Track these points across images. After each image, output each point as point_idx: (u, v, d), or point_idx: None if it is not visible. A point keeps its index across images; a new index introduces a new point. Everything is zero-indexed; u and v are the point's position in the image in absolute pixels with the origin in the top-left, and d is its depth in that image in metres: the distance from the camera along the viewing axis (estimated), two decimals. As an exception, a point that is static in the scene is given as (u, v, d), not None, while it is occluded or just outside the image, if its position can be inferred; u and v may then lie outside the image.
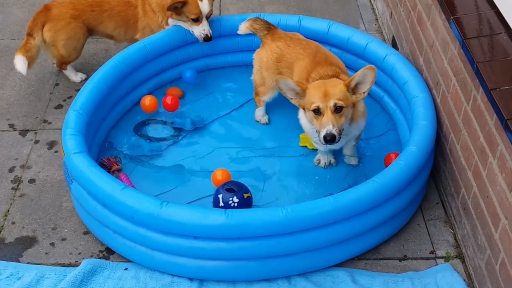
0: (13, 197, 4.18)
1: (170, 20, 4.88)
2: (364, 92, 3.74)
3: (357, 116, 3.91)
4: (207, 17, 4.78)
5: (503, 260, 3.17)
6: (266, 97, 4.54)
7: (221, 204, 3.77)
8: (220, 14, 5.90)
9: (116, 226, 3.66)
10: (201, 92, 4.97)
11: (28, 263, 3.77)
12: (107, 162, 4.20)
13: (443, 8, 3.82)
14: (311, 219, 3.48)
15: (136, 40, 4.94)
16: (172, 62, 4.94)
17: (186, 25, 4.83)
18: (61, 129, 4.10)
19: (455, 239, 3.89)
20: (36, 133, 4.68)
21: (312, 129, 3.88)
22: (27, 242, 3.90)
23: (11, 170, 4.38)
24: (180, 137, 4.55)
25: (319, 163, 4.29)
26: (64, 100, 4.98)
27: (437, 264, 3.75)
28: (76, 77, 5.14)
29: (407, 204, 3.83)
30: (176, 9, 4.71)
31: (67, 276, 3.64)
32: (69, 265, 3.77)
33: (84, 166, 3.74)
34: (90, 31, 5.00)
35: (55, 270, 3.70)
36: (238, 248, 3.50)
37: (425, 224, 3.99)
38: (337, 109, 3.68)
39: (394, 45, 5.20)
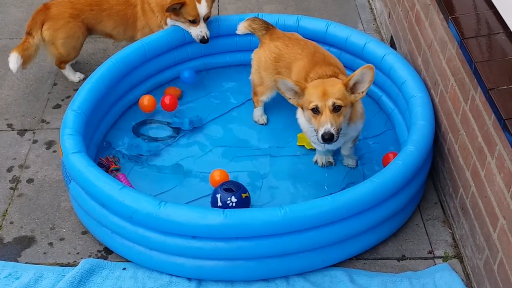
0: (11, 197, 4.18)
1: (168, 20, 4.89)
2: (362, 92, 3.74)
3: (356, 116, 3.91)
4: (205, 19, 4.78)
5: (501, 260, 3.17)
6: (265, 97, 4.53)
7: (219, 204, 3.77)
8: (218, 14, 5.90)
9: (115, 226, 3.66)
10: (199, 92, 4.96)
11: (26, 263, 3.77)
12: (106, 161, 4.20)
13: (441, 8, 3.83)
14: (309, 219, 3.48)
15: (135, 40, 4.94)
16: (171, 61, 4.94)
17: (184, 26, 4.83)
18: (59, 128, 4.10)
19: (454, 239, 3.89)
20: (34, 132, 4.67)
21: (310, 128, 3.88)
22: (26, 242, 3.90)
23: (9, 170, 4.37)
24: (178, 137, 4.55)
25: (316, 162, 4.29)
26: (63, 100, 4.98)
27: (435, 264, 3.75)
28: (75, 76, 5.14)
29: (405, 204, 3.83)
30: (175, 10, 4.72)
31: (65, 276, 3.64)
32: (68, 265, 3.77)
33: (82, 166, 3.74)
34: (89, 30, 5.00)
35: (53, 270, 3.70)
36: (236, 248, 3.50)
37: (424, 224, 3.99)
38: (336, 108, 3.68)
39: (392, 45, 5.20)
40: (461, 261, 3.76)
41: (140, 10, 4.95)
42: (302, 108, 3.87)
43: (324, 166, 4.27)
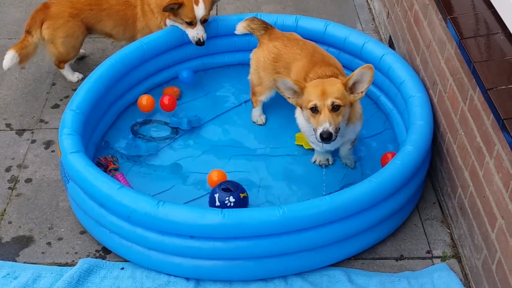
0: (9, 197, 4.18)
1: (167, 21, 4.89)
2: (362, 92, 3.74)
3: (354, 117, 3.91)
4: (203, 22, 4.77)
5: (500, 260, 3.17)
6: (263, 97, 4.53)
7: (217, 203, 3.77)
8: (217, 14, 5.89)
9: (113, 226, 3.66)
10: (198, 91, 4.96)
11: (24, 262, 3.76)
12: (104, 161, 4.20)
13: (440, 8, 3.82)
14: (308, 219, 3.48)
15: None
16: (169, 61, 4.94)
17: (182, 27, 4.83)
18: (58, 128, 4.10)
19: (452, 238, 3.89)
20: (32, 132, 4.67)
21: (309, 127, 3.87)
22: (24, 241, 3.89)
23: (7, 169, 4.37)
24: (176, 137, 4.54)
25: (315, 161, 4.29)
26: (61, 100, 4.98)
27: (433, 264, 3.75)
28: (73, 76, 5.13)
29: (404, 204, 3.83)
30: (172, 10, 4.71)
31: (63, 275, 3.63)
32: (66, 264, 3.77)
33: (80, 165, 3.73)
34: (89, 30, 5.01)
35: (51, 270, 3.69)
36: (234, 247, 3.50)
37: (422, 223, 3.99)
38: (335, 108, 3.68)
39: (391, 45, 5.21)
40: (459, 261, 3.76)
41: (140, 11, 4.95)
42: (301, 108, 3.87)
43: (323, 166, 4.27)
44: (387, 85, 4.53)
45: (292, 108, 4.07)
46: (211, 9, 4.81)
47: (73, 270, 3.64)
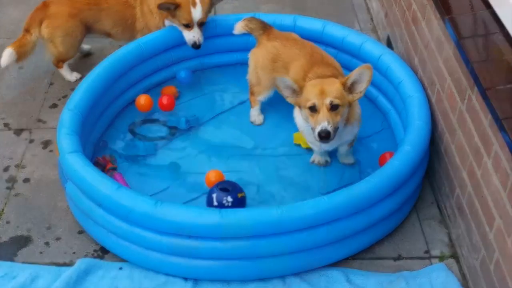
0: (7, 197, 4.17)
1: (166, 22, 4.88)
2: (360, 92, 3.74)
3: (353, 117, 3.91)
4: (200, 24, 4.76)
5: (498, 260, 3.17)
6: (262, 96, 4.53)
7: (215, 203, 3.77)
8: (215, 14, 5.89)
9: (111, 226, 3.66)
10: (196, 91, 4.96)
11: (22, 262, 3.76)
12: (102, 160, 4.20)
13: (438, 7, 3.82)
14: (306, 219, 3.48)
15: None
16: (167, 61, 4.93)
17: (180, 28, 4.82)
18: (56, 128, 4.09)
19: (450, 238, 3.89)
20: (31, 132, 4.67)
21: (307, 127, 3.88)
22: (22, 241, 3.89)
23: (5, 169, 4.37)
24: (174, 137, 4.54)
25: (313, 161, 4.29)
26: (59, 99, 4.97)
27: (431, 264, 3.75)
28: (71, 76, 5.13)
29: (402, 204, 3.83)
30: (168, 10, 4.70)
31: (61, 275, 3.63)
32: (64, 264, 3.76)
33: (79, 165, 3.73)
34: (88, 29, 5.01)
35: (49, 270, 3.69)
36: (232, 247, 3.50)
37: (420, 223, 3.99)
38: (333, 107, 3.68)
39: (389, 44, 5.20)
40: (458, 261, 3.76)
41: (139, 11, 4.95)
42: (299, 107, 3.87)
43: (321, 165, 4.27)
44: (385, 85, 4.53)
45: (290, 108, 4.06)
46: (209, 11, 4.80)
47: (71, 270, 3.64)
